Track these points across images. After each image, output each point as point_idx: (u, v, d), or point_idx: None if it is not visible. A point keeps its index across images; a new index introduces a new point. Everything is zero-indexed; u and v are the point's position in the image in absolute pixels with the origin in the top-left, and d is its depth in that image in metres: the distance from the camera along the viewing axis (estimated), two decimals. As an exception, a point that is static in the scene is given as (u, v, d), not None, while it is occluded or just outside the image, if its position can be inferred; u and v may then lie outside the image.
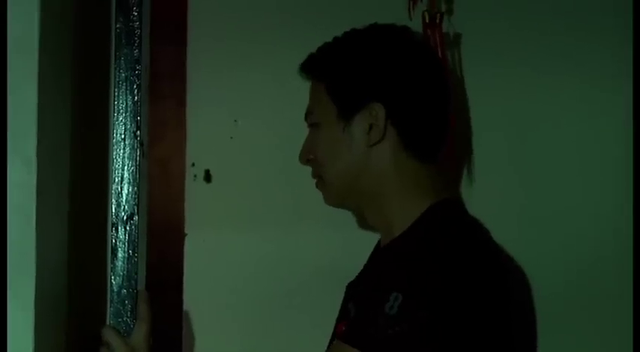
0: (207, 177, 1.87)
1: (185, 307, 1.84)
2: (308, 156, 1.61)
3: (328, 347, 1.53)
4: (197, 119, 1.86)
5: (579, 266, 1.83)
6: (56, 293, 1.60)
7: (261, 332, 1.85)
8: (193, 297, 1.85)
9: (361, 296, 1.46)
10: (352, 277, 1.65)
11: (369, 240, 1.69)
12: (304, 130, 1.64)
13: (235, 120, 1.86)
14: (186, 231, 1.85)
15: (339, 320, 1.61)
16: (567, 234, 1.83)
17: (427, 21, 1.68)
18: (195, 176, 1.87)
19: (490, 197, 1.82)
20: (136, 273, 1.55)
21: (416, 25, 1.69)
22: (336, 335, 1.55)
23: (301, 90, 1.66)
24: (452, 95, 1.60)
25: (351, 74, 1.53)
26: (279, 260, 1.85)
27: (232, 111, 1.86)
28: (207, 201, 1.87)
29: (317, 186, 1.62)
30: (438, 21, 1.67)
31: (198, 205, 1.87)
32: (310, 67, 1.61)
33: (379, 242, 1.65)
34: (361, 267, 1.66)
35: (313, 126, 1.59)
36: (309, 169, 1.64)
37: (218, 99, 1.86)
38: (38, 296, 1.50)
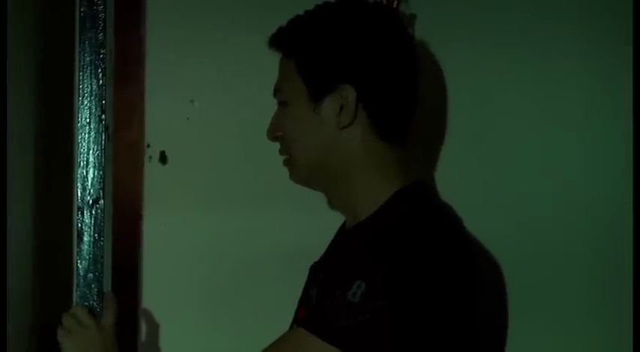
0: (163, 159, 1.86)
1: (143, 290, 1.84)
2: (276, 133, 1.57)
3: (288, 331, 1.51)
4: (154, 100, 1.85)
5: (553, 255, 1.86)
6: (23, 277, 1.60)
7: (221, 314, 1.85)
8: (151, 280, 1.84)
9: (324, 282, 1.44)
10: (315, 259, 1.65)
11: (332, 221, 1.69)
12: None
13: (192, 101, 1.86)
14: (142, 213, 1.85)
15: (300, 304, 1.60)
16: (539, 222, 1.87)
17: (385, 2, 1.69)
18: (150, 157, 1.85)
19: (458, 182, 1.83)
20: (102, 257, 1.56)
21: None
22: (296, 321, 1.54)
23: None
24: (421, 76, 1.58)
25: (322, 54, 1.50)
26: (236, 242, 1.85)
27: (189, 91, 1.85)
28: (163, 182, 1.85)
29: (284, 164, 1.60)
30: (395, 4, 1.68)
31: (154, 187, 1.86)
32: (280, 42, 1.57)
33: (344, 223, 1.64)
34: (325, 248, 1.66)
35: (282, 103, 1.56)
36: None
37: (175, 79, 1.85)
38: (6, 281, 1.50)
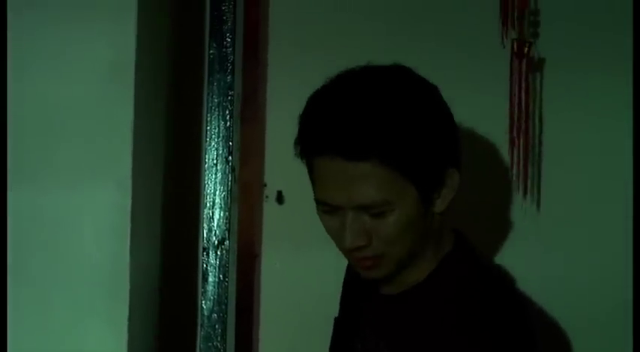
0: (280, 198, 1.86)
1: (260, 332, 1.83)
2: (368, 241, 1.35)
3: None
4: (272, 140, 1.85)
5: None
6: (148, 316, 1.61)
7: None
8: (268, 321, 1.84)
9: None
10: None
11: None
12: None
13: (310, 141, 1.85)
14: (259, 253, 1.85)
15: None
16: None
17: (515, 50, 1.66)
18: (267, 197, 1.85)
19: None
20: (227, 298, 1.57)
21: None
22: None
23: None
24: None
25: (422, 149, 1.33)
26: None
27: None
28: (280, 222, 1.85)
29: (370, 265, 1.38)
30: (526, 51, 1.66)
31: (271, 226, 1.85)
32: (366, 151, 1.30)
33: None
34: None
35: (382, 213, 1.34)
36: None
37: (294, 119, 1.85)
38: (131, 320, 1.52)
